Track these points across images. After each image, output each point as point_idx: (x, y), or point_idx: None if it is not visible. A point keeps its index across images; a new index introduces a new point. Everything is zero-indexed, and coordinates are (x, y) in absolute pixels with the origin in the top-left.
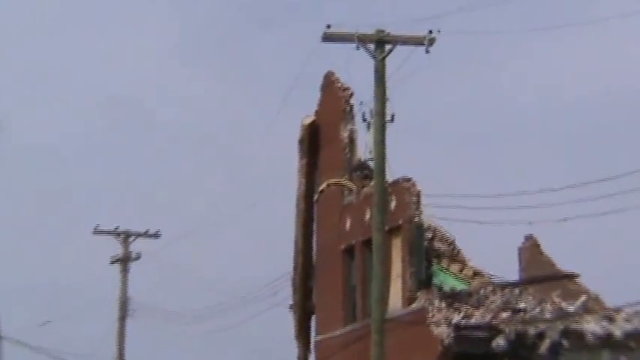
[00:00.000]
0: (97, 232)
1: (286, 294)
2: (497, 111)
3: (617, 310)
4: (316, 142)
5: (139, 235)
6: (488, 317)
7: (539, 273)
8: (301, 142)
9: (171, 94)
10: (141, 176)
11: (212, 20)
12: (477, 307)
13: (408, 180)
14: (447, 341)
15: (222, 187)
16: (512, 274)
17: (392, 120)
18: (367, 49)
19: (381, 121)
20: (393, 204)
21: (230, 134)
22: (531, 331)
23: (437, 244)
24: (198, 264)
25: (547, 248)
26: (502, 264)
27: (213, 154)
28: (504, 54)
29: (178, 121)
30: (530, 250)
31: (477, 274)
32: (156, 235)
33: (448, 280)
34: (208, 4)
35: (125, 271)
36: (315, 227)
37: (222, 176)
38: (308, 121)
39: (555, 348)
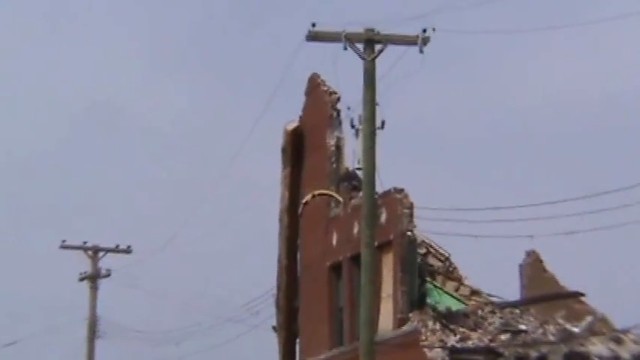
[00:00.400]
0: (65, 246)
1: (269, 314)
2: (495, 116)
3: (626, 331)
4: (300, 151)
5: (108, 250)
6: (486, 340)
7: (542, 291)
8: (284, 150)
9: (146, 100)
10: (112, 188)
11: (189, 21)
12: (475, 329)
13: (400, 191)
14: None
15: (199, 199)
16: (513, 292)
17: (382, 126)
18: (355, 50)
19: (370, 128)
20: (383, 217)
21: (208, 143)
22: (533, 354)
23: (431, 261)
24: (172, 281)
25: (550, 264)
26: (501, 282)
27: (190, 164)
28: (504, 54)
29: (153, 129)
30: (532, 267)
31: (474, 292)
32: (127, 251)
33: (443, 300)
34: (185, 4)
35: (94, 288)
36: (299, 242)
37: (199, 188)
38: (291, 127)
39: None
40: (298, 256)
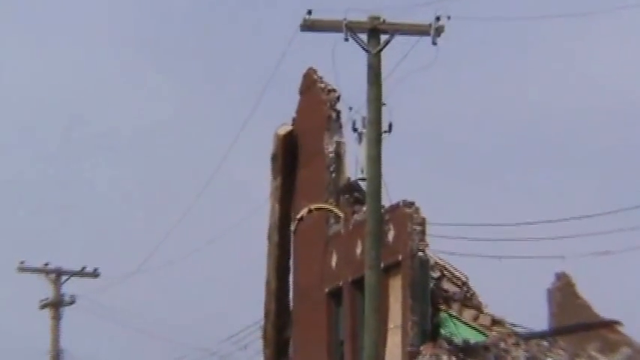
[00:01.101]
0: (23, 269)
1: (259, 348)
2: (519, 118)
3: None
4: (294, 158)
5: (73, 273)
6: None
7: (573, 320)
8: (274, 158)
9: (115, 107)
10: (77, 202)
11: (172, 6)
12: None
13: (410, 205)
14: None
15: (178, 216)
16: (540, 322)
17: (389, 130)
18: (358, 41)
19: (375, 132)
20: (390, 235)
21: (187, 151)
22: None
23: (446, 286)
24: (146, 309)
25: (583, 289)
26: (527, 309)
27: (167, 176)
28: (529, 45)
29: (122, 137)
30: (563, 292)
31: (495, 322)
32: (94, 274)
33: (460, 331)
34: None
35: (57, 317)
36: (292, 264)
37: (178, 202)
38: (283, 131)
39: None
40: (291, 279)
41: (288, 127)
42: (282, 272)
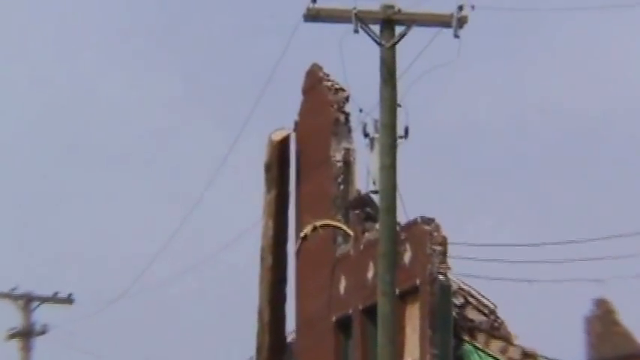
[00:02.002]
0: None
1: None
2: (551, 123)
3: None
4: (291, 168)
5: (45, 299)
6: None
7: (614, 351)
8: (268, 167)
9: (98, 109)
10: (50, 219)
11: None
12: None
13: (429, 221)
14: None
15: (164, 237)
16: (577, 354)
17: (405, 135)
18: (370, 33)
19: (389, 137)
20: (407, 256)
21: (173, 161)
22: None
23: (470, 314)
24: (126, 341)
25: (625, 317)
26: (562, 340)
27: (153, 189)
28: (565, 39)
29: (105, 145)
30: (602, 320)
31: (527, 355)
32: (68, 301)
33: None
34: None
35: (26, 348)
36: (294, 290)
37: (165, 221)
38: (279, 137)
39: None
40: (288, 308)
41: (284, 132)
42: (277, 300)
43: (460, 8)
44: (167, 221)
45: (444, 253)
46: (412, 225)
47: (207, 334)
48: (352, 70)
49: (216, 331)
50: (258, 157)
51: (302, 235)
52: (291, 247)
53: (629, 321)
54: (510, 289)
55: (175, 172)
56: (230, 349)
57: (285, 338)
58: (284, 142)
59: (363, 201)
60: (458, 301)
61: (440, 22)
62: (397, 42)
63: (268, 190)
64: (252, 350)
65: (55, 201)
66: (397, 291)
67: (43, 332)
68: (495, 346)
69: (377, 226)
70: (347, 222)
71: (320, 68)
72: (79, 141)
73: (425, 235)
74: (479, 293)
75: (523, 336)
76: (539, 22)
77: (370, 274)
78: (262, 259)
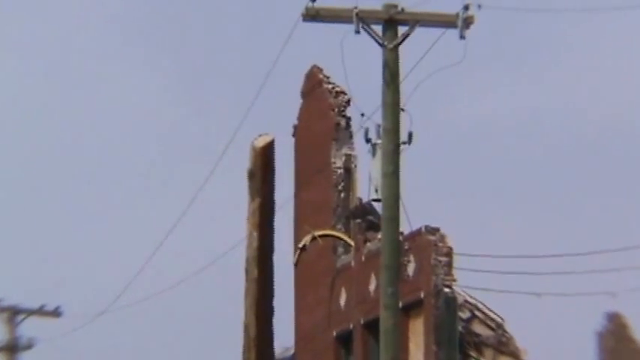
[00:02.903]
0: None
1: None
2: (562, 126)
3: None
4: (271, 175)
5: (31, 312)
6: None
7: None
8: (252, 175)
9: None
10: (36, 230)
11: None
12: None
13: (434, 231)
14: None
15: (148, 252)
16: None
17: (409, 141)
18: (372, 33)
19: (392, 143)
20: (411, 268)
21: (165, 169)
22: None
23: (477, 328)
24: (116, 355)
25: (638, 331)
26: (573, 356)
27: (141, 198)
28: (578, 40)
29: (95, 154)
30: (615, 335)
31: None
32: (56, 313)
33: None
34: None
35: None
36: (294, 302)
37: (154, 230)
38: (262, 143)
39: None
40: (293, 321)
41: (268, 138)
42: (264, 315)
43: (466, 8)
44: (157, 233)
45: (449, 265)
46: (416, 235)
47: (196, 347)
48: (353, 72)
49: (207, 342)
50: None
51: (300, 245)
52: (289, 258)
53: None
54: (519, 302)
55: (167, 180)
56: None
57: (272, 354)
58: (267, 149)
59: (365, 210)
60: (464, 314)
61: (445, 22)
62: (400, 43)
63: (252, 198)
64: None
65: (41, 211)
66: (400, 304)
67: (29, 347)
68: None
69: (379, 236)
70: (348, 232)
71: (320, 70)
72: (67, 150)
73: (429, 245)
74: (486, 307)
75: (532, 351)
76: (549, 22)
77: (372, 287)
78: (247, 271)
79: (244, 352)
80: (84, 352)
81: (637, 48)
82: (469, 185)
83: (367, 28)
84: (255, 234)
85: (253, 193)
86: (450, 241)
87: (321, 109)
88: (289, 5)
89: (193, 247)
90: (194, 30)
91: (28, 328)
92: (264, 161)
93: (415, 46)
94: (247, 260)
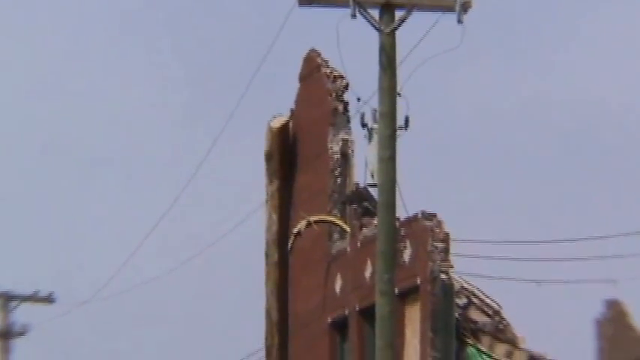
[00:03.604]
0: None
1: None
2: (563, 112)
3: None
4: (292, 156)
5: (24, 298)
6: None
7: (626, 356)
8: (269, 156)
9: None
10: (30, 215)
11: None
12: None
13: (431, 217)
14: None
15: (148, 228)
16: (587, 358)
17: (406, 126)
18: (368, 18)
19: (389, 128)
20: (407, 254)
21: (158, 155)
22: None
23: (474, 315)
24: (110, 341)
25: (638, 320)
26: (571, 343)
27: (136, 181)
28: (583, 24)
29: (87, 142)
30: (614, 323)
31: (534, 359)
32: (49, 300)
33: None
34: None
35: (6, 350)
36: (289, 288)
37: (149, 212)
38: (278, 123)
39: None
40: (288, 308)
41: (284, 119)
42: (286, 298)
43: None
44: (151, 218)
45: (446, 251)
46: (413, 221)
47: (190, 332)
48: (350, 57)
49: (215, 329)
50: (250, 147)
51: (295, 231)
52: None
53: None
54: (517, 289)
55: (161, 166)
56: (222, 349)
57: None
58: (284, 130)
59: (361, 195)
60: (461, 301)
61: (442, 6)
62: (397, 27)
63: (270, 181)
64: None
65: (34, 198)
66: (396, 291)
67: (22, 333)
68: (500, 349)
69: (375, 221)
70: (343, 217)
71: (318, 54)
72: (58, 139)
73: (426, 231)
74: (483, 293)
75: (530, 339)
76: (551, 5)
77: (368, 273)
78: (267, 255)
79: (267, 338)
80: (78, 338)
81: None
82: (466, 171)
83: (364, 13)
84: (274, 217)
85: (271, 175)
86: (447, 227)
87: (319, 93)
88: None
89: (186, 234)
90: (190, 16)
91: (22, 314)
92: (281, 142)
93: (412, 30)
94: (267, 244)
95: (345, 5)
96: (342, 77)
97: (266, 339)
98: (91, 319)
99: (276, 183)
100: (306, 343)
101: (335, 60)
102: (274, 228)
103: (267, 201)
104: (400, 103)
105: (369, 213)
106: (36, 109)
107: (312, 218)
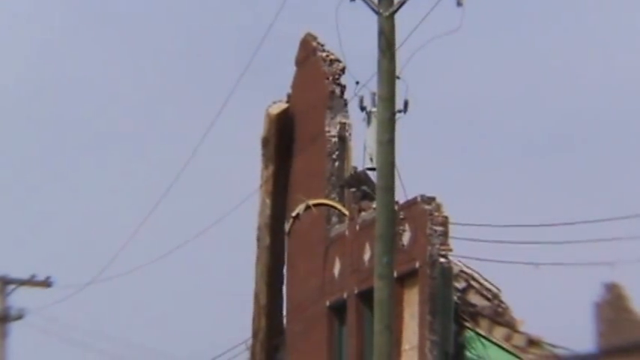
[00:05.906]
0: None
1: None
2: (562, 95)
3: None
4: (289, 143)
5: (21, 282)
6: None
7: (625, 339)
8: (266, 141)
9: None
10: (28, 197)
11: None
12: None
13: (430, 200)
14: None
15: (145, 214)
16: (585, 341)
17: (405, 109)
18: (367, 1)
19: (388, 111)
20: (406, 237)
21: (156, 138)
22: None
23: (473, 299)
24: (107, 326)
25: (637, 303)
26: (570, 327)
27: (133, 166)
28: (580, 10)
29: (80, 119)
30: (613, 306)
31: (532, 343)
32: (46, 284)
33: (489, 353)
34: None
35: (3, 334)
36: (285, 272)
37: (145, 198)
38: (276, 110)
39: None
40: (284, 291)
41: (283, 105)
42: (275, 282)
43: None
44: (150, 200)
45: (445, 234)
46: (411, 204)
47: (188, 315)
48: (349, 40)
49: (209, 314)
50: (246, 131)
51: (294, 214)
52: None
53: None
54: (515, 272)
55: (160, 147)
56: (218, 333)
57: (282, 323)
58: (282, 116)
59: (360, 178)
60: (459, 284)
61: None
62: (396, 10)
63: (266, 165)
64: (244, 334)
65: (32, 181)
66: (395, 274)
67: (19, 317)
68: (499, 332)
69: (374, 205)
70: (342, 201)
71: (314, 38)
72: (57, 119)
73: (425, 214)
74: (482, 277)
75: (528, 322)
76: None
77: (366, 257)
78: (259, 239)
79: (254, 320)
80: (75, 323)
81: None
82: (465, 154)
83: None
84: (267, 201)
85: (267, 160)
86: (446, 211)
87: (316, 77)
88: None
89: (184, 217)
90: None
91: (19, 298)
92: (278, 128)
93: (411, 13)
94: (259, 227)
95: None
96: (338, 60)
97: (253, 322)
98: (88, 303)
99: (271, 168)
100: (304, 326)
101: (334, 44)
102: (267, 212)
103: (261, 186)
104: (399, 86)
105: (368, 196)
106: (40, 85)
107: (311, 202)
